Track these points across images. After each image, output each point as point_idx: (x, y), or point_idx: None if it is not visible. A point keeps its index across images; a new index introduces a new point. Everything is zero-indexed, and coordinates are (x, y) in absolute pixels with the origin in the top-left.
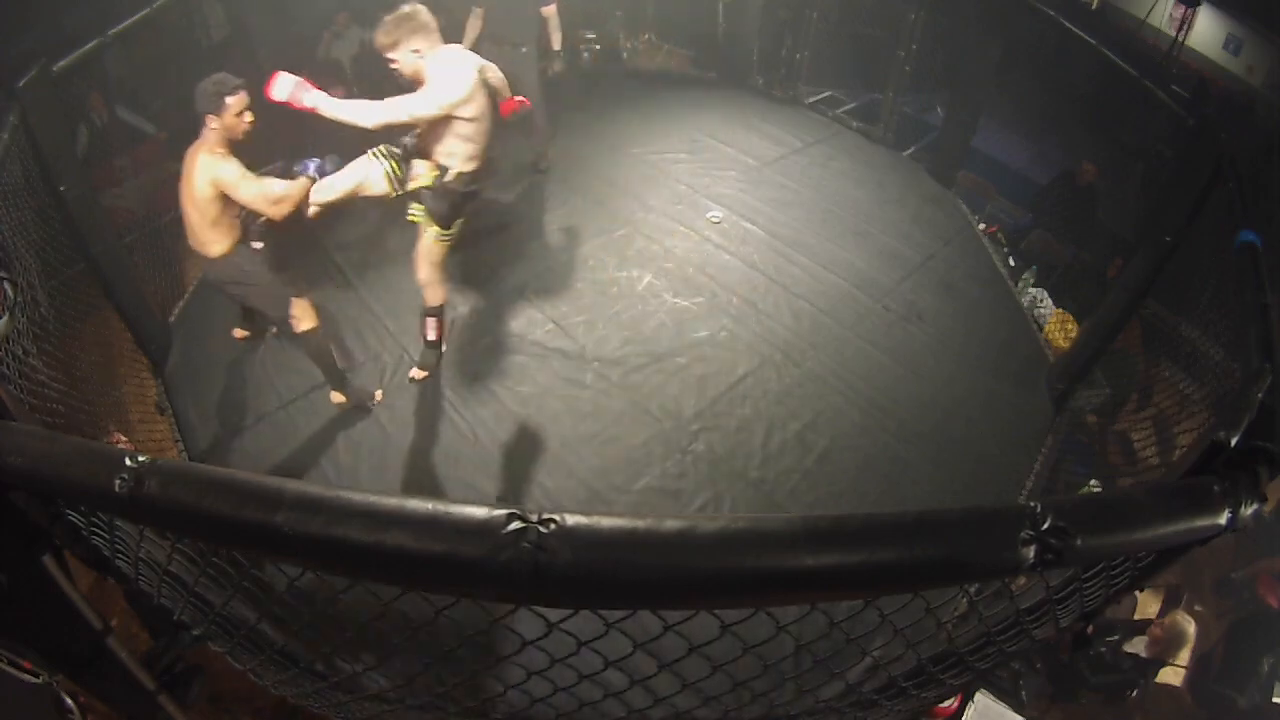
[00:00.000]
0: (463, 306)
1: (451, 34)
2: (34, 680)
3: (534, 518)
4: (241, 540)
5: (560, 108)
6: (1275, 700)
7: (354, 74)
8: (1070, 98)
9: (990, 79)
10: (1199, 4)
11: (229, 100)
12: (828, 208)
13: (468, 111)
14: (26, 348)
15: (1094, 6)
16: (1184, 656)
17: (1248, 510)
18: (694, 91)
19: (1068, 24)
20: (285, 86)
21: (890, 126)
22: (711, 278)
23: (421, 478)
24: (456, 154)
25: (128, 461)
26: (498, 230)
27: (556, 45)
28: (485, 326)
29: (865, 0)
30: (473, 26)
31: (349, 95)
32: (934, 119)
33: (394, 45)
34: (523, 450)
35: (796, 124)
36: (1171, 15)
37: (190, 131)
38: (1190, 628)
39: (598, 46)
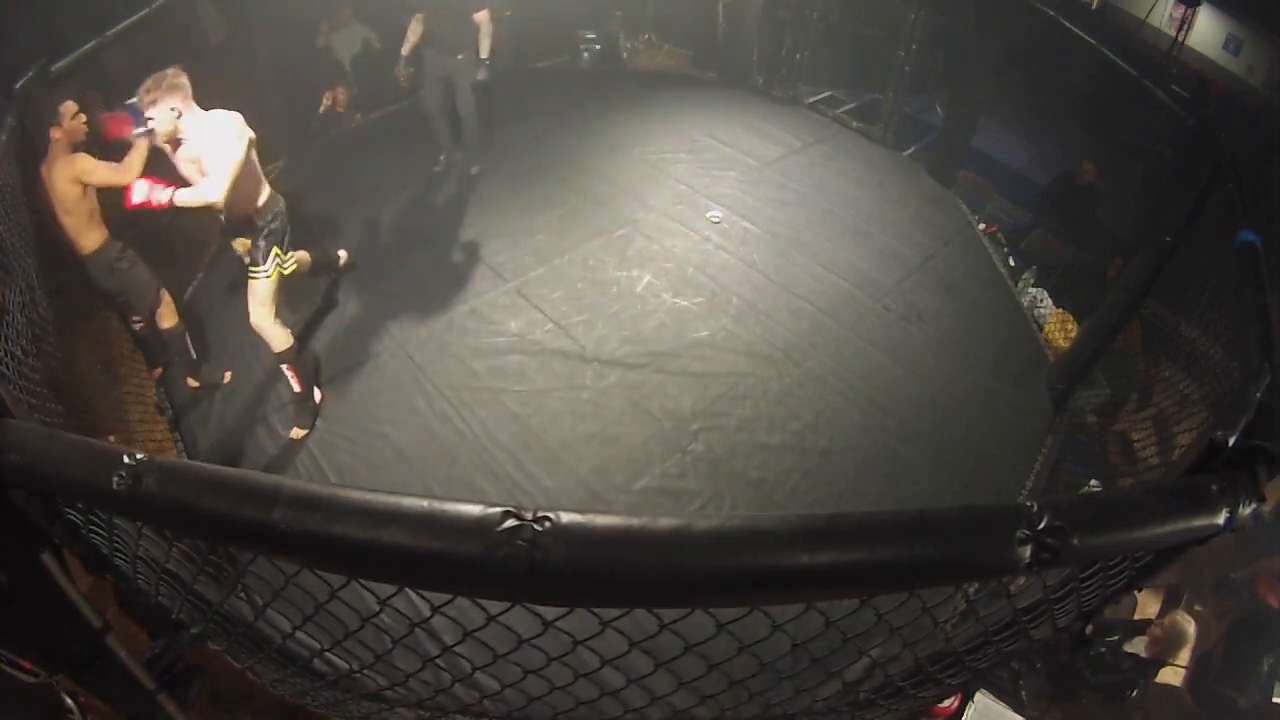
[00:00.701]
0: (462, 306)
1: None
2: (34, 680)
3: (529, 515)
4: (239, 538)
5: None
6: (1275, 700)
7: (354, 73)
8: (1070, 98)
9: (990, 79)
10: (1199, 4)
11: (62, 110)
12: (828, 208)
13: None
14: (26, 348)
15: (1094, 6)
16: (1184, 656)
17: (1246, 510)
18: (694, 91)
19: (1068, 24)
20: (142, 190)
21: (890, 126)
22: (711, 278)
23: (421, 478)
24: (250, 194)
25: (125, 459)
26: (496, 231)
27: (485, 53)
28: (485, 327)
29: (865, 0)
30: (414, 31)
31: (350, 97)
32: (934, 119)
33: (154, 103)
34: (523, 450)
35: (796, 124)
36: (1171, 15)
37: None
38: (1190, 628)
39: (598, 46)
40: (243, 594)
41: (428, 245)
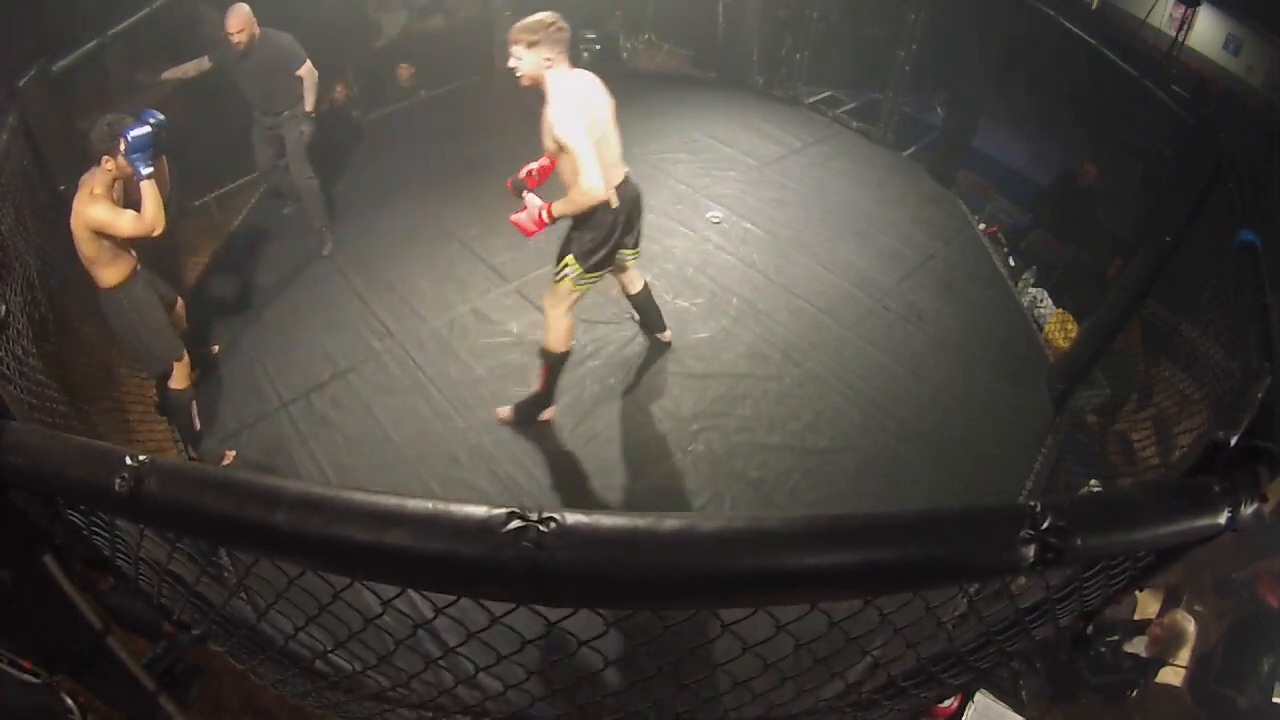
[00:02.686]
0: (462, 306)
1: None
2: (34, 680)
3: (533, 516)
4: (241, 539)
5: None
6: (1275, 700)
7: (363, 68)
8: (1070, 98)
9: (990, 79)
10: (1199, 4)
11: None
12: (828, 208)
13: (598, 131)
14: (26, 348)
15: (1094, 6)
16: (1184, 656)
17: (1247, 510)
18: (694, 91)
19: (1068, 24)
20: (533, 214)
21: (890, 126)
22: (711, 278)
23: (421, 478)
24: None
25: (128, 460)
26: (496, 230)
27: (310, 108)
28: (485, 326)
29: (865, 0)
30: (185, 70)
31: (349, 95)
32: (934, 119)
33: (529, 45)
34: (523, 450)
35: (796, 124)
36: (1171, 15)
37: (190, 129)
38: (1190, 628)
39: (598, 46)
40: (244, 595)
41: (428, 245)
